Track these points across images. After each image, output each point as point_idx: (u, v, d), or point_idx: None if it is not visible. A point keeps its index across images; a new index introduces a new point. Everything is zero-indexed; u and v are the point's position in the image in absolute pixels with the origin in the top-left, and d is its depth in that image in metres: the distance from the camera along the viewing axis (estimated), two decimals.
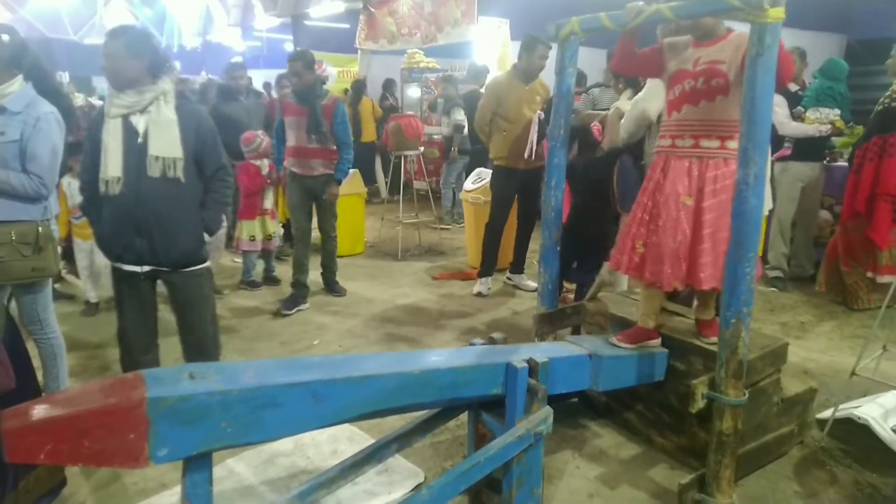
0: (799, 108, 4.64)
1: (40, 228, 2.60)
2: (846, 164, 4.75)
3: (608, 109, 4.46)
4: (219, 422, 1.65)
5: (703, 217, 2.30)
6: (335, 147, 4.47)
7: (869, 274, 4.33)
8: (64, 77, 12.47)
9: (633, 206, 2.56)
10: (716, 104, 2.31)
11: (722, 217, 2.28)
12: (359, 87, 8.68)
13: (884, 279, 4.25)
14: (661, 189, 2.43)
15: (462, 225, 6.59)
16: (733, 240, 2.03)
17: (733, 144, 2.29)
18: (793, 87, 4.73)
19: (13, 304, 2.74)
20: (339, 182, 4.52)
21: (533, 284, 4.86)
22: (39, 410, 1.53)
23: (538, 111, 4.46)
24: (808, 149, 4.65)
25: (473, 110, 6.22)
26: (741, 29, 2.29)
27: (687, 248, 2.32)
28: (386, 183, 8.09)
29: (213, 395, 1.64)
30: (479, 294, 4.87)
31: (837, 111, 4.55)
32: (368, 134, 8.45)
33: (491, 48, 8.42)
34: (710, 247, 2.29)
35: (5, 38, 2.53)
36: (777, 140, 4.78)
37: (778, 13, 1.86)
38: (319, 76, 4.57)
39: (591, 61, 5.84)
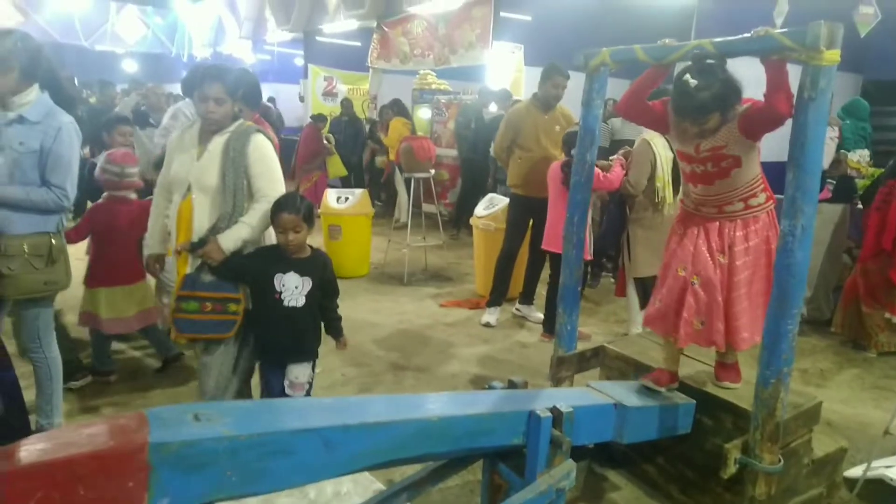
0: (843, 150, 4.61)
1: (53, 241, 2.56)
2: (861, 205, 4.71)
3: (631, 142, 4.41)
4: (224, 470, 1.53)
5: (736, 277, 2.22)
6: None
7: (886, 315, 4.25)
8: (74, 82, 12.47)
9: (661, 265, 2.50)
10: (731, 178, 2.24)
11: (755, 273, 2.24)
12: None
13: None
14: (682, 246, 2.34)
15: None
16: (776, 294, 1.93)
17: (756, 201, 2.27)
18: None
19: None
20: None
21: (541, 316, 4.74)
22: (31, 452, 1.41)
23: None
24: (845, 190, 4.60)
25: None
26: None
27: (724, 307, 2.24)
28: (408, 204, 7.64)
29: (220, 440, 1.52)
30: (488, 324, 4.75)
31: (867, 151, 4.53)
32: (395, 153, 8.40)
33: (504, 73, 8.39)
34: (747, 306, 2.21)
35: (20, 45, 2.46)
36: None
37: (833, 56, 1.78)
38: None
39: (615, 91, 5.76)
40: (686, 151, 2.29)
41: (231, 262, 2.54)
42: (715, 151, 2.20)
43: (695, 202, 2.38)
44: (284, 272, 2.55)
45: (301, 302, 2.58)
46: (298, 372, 2.65)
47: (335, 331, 2.79)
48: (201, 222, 2.54)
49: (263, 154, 2.62)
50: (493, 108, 7.56)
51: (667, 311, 2.34)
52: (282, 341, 2.60)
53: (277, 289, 2.55)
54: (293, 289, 2.57)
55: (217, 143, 2.56)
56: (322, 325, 2.75)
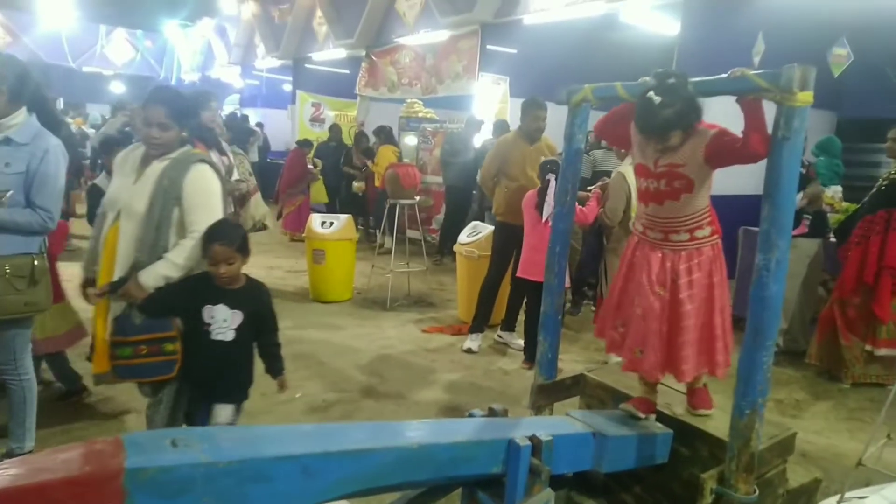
0: (820, 186, 4.73)
1: (36, 262, 2.55)
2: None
3: (611, 172, 4.50)
4: (201, 496, 1.52)
5: (682, 309, 2.25)
6: None
7: (868, 347, 4.32)
8: (58, 103, 12.48)
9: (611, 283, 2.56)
10: (681, 202, 2.27)
11: (700, 307, 2.27)
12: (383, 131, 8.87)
13: (882, 352, 4.28)
14: (632, 272, 2.41)
15: None
16: (751, 326, 1.96)
17: (702, 233, 2.30)
18: None
19: None
20: None
21: (522, 343, 4.76)
22: (3, 478, 1.39)
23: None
24: (821, 225, 4.71)
25: None
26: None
27: (666, 339, 2.28)
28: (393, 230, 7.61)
29: (197, 467, 1.51)
30: (469, 350, 4.75)
31: (839, 187, 4.65)
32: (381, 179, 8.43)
33: (490, 103, 8.52)
34: (693, 338, 2.24)
35: (8, 67, 2.49)
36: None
37: (807, 97, 1.84)
38: None
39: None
40: (645, 164, 2.33)
41: (157, 297, 2.36)
42: (671, 168, 2.23)
43: (644, 225, 2.40)
44: (214, 304, 2.36)
45: (230, 336, 2.39)
46: (220, 414, 2.44)
47: (274, 370, 2.57)
48: (124, 251, 2.39)
49: (202, 186, 2.45)
50: (485, 135, 7.71)
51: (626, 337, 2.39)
52: (208, 377, 2.42)
53: (206, 320, 2.37)
54: (221, 322, 2.38)
55: (155, 168, 2.41)
56: (269, 362, 2.57)
